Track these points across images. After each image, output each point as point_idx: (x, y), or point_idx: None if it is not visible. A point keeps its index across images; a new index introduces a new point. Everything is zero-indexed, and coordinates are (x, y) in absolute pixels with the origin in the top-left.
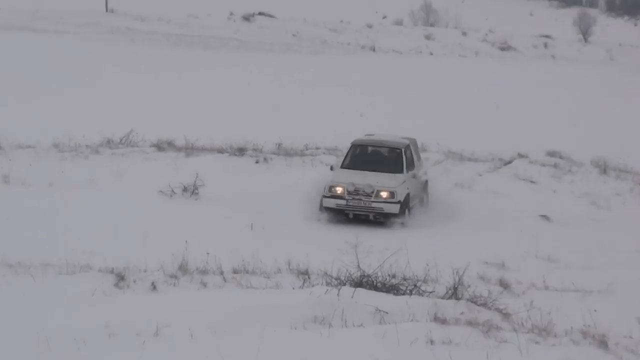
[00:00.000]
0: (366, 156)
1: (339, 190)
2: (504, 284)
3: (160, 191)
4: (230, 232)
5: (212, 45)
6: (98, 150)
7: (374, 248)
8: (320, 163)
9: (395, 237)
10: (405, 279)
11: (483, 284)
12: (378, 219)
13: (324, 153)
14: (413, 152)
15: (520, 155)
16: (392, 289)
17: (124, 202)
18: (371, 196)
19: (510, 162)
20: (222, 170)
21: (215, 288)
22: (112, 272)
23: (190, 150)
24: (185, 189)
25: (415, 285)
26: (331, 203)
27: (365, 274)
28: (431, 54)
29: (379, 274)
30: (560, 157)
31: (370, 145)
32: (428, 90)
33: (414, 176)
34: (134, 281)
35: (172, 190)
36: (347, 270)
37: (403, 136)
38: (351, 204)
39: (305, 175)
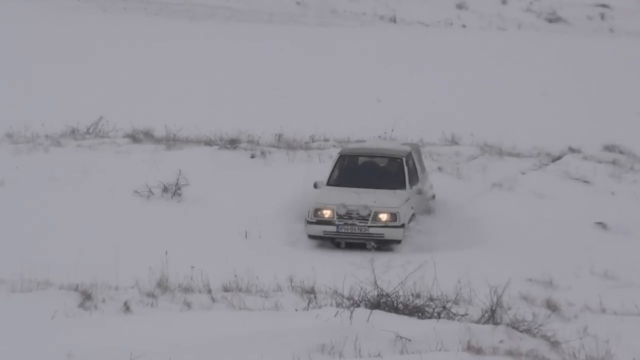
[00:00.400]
0: (359, 169)
1: (327, 213)
2: (551, 306)
3: (136, 192)
4: (220, 242)
5: (199, 14)
6: (60, 141)
7: (393, 262)
8: (329, 158)
9: (419, 248)
10: (431, 300)
11: (526, 306)
12: (377, 247)
13: (333, 146)
14: (416, 162)
15: (572, 150)
16: (416, 311)
17: (91, 204)
18: (368, 220)
19: (559, 158)
20: (210, 167)
21: (201, 309)
22: (76, 289)
23: (171, 142)
24: (165, 189)
25: (444, 307)
26: (317, 230)
27: (384, 293)
28: (464, 26)
29: (400, 293)
30: (620, 152)
31: (362, 155)
32: (460, 70)
33: (420, 192)
34: (103, 301)
35: (150, 191)
36: (361, 288)
37: (403, 142)
38: (343, 230)
39: (304, 177)
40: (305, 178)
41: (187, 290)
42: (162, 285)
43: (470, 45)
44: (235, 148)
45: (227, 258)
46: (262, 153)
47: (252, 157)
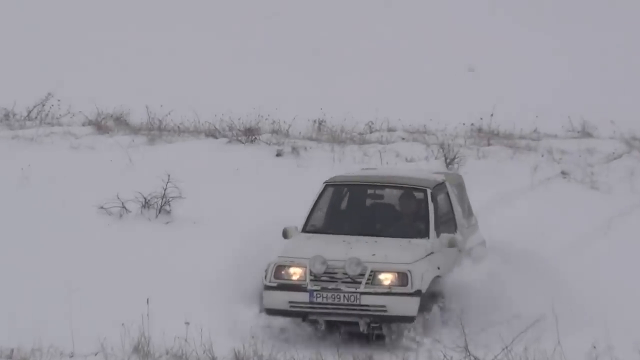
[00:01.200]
0: (354, 208)
1: (296, 274)
2: None
3: (101, 207)
4: (228, 284)
5: None
6: None
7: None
8: (396, 157)
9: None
10: None
11: None
12: (375, 330)
13: (402, 139)
14: (454, 200)
15: None
16: None
17: (32, 227)
18: (360, 283)
19: None
20: (214, 169)
21: None
22: (10, 356)
23: (156, 131)
24: (146, 204)
25: None
26: (279, 301)
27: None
28: None
29: None
30: None
31: (360, 186)
32: (595, 28)
33: (453, 244)
34: None
35: (123, 206)
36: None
37: (435, 170)
38: (320, 300)
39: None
40: None
41: (180, 358)
42: (142, 351)
43: None
44: (253, 141)
45: (241, 310)
46: (294, 149)
47: (279, 154)
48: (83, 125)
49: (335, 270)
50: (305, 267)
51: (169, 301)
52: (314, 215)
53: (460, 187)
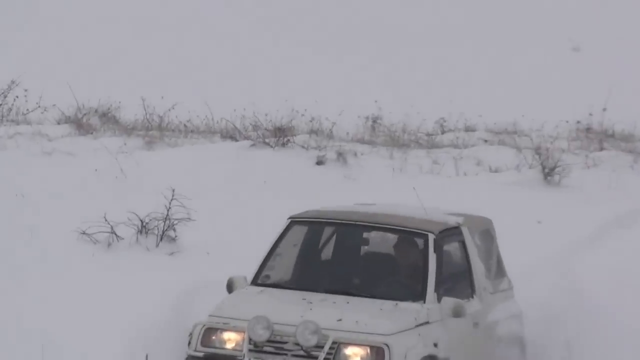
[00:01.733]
0: (327, 255)
1: (230, 340)
2: None
3: (84, 233)
4: None
5: None
6: None
7: None
8: (477, 165)
9: None
10: None
11: None
12: None
13: (485, 141)
14: (472, 254)
15: None
16: None
17: None
18: (316, 359)
19: None
20: (234, 182)
21: None
22: None
23: (155, 131)
24: (144, 228)
25: None
26: None
27: None
28: None
29: None
30: None
31: (339, 224)
32: None
33: (459, 312)
34: None
35: (113, 232)
36: None
37: (454, 212)
38: None
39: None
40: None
41: None
42: None
43: None
44: (285, 144)
45: None
46: (340, 155)
47: (320, 162)
48: (58, 123)
49: (284, 339)
50: (244, 332)
51: None
52: (270, 261)
53: (487, 236)
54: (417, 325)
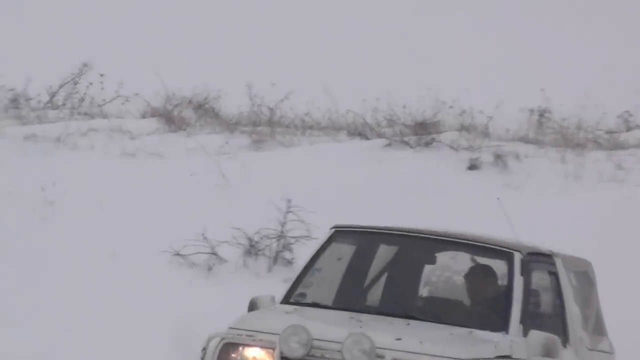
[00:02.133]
0: (381, 273)
1: (255, 359)
2: None
3: (177, 254)
4: None
5: None
6: None
7: None
8: None
9: None
10: None
11: None
12: None
13: None
14: (566, 292)
15: None
16: None
17: (62, 286)
18: None
19: None
20: (365, 190)
21: None
22: None
23: (265, 127)
24: (252, 249)
25: None
26: None
27: None
28: None
29: None
30: None
31: (399, 236)
32: None
33: (552, 351)
34: None
35: (214, 253)
36: None
37: (532, 244)
38: None
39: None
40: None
41: None
42: None
43: None
44: (429, 144)
45: None
46: (499, 157)
47: (473, 167)
48: (143, 117)
49: (326, 355)
50: (273, 348)
51: None
52: (307, 277)
53: (585, 278)
54: (497, 357)
